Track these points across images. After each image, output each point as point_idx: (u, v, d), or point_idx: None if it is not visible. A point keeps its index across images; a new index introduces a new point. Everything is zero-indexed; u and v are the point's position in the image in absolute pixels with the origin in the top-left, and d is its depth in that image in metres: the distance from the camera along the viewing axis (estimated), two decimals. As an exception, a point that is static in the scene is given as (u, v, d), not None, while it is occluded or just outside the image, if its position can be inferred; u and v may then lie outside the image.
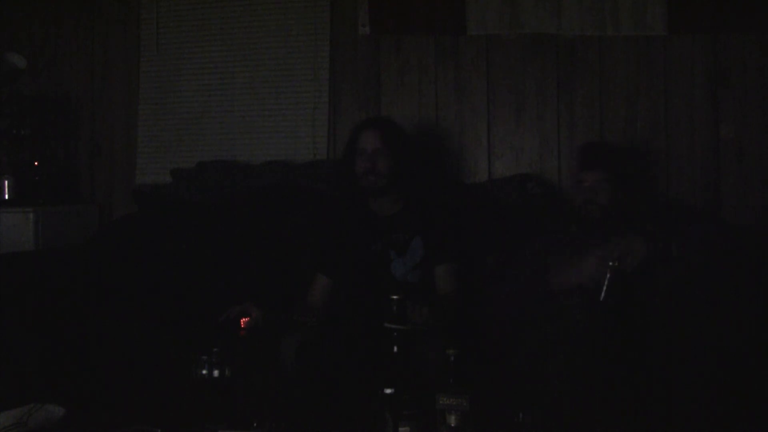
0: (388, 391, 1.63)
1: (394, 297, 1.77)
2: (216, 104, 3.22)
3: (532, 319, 2.12)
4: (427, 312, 1.98)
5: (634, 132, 2.86)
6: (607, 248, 2.00)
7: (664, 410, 1.70)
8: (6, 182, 3.08)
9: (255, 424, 1.56)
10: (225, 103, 3.21)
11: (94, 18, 3.36)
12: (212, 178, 3.01)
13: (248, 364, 1.84)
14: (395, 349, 1.68)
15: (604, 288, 1.98)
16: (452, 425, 1.49)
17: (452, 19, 2.97)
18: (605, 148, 2.41)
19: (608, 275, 1.97)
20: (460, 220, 2.49)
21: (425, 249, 2.36)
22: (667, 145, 2.84)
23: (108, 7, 3.35)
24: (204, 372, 1.78)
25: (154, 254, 2.71)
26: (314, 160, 3.07)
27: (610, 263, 1.98)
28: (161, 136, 3.27)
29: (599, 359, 1.91)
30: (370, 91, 3.08)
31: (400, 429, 1.48)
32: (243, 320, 2.03)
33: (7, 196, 3.08)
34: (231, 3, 3.20)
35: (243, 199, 2.90)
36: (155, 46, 3.28)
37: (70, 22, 3.38)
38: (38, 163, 3.22)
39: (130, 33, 3.32)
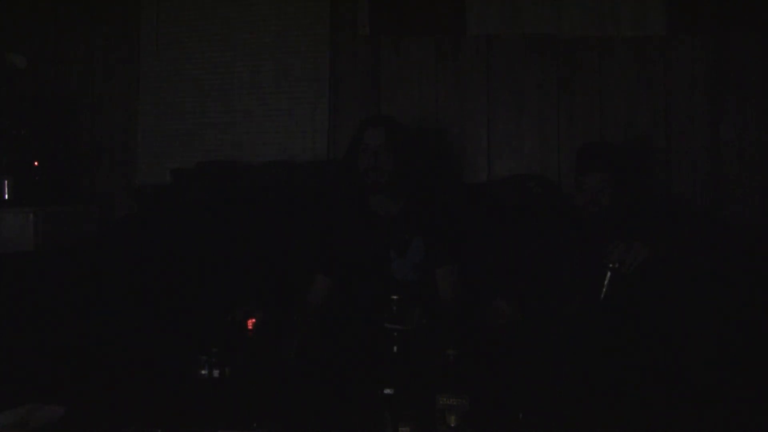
0: (388, 391, 1.63)
1: (394, 297, 1.77)
2: (216, 104, 3.22)
3: (533, 319, 2.13)
4: (419, 312, 1.98)
5: (634, 132, 2.86)
6: (608, 250, 2.00)
7: (664, 409, 1.69)
8: (6, 182, 3.08)
9: (255, 424, 1.55)
10: (225, 103, 3.21)
11: (94, 18, 3.36)
12: (212, 178, 3.01)
13: (248, 364, 1.84)
14: (395, 349, 1.69)
15: (604, 289, 1.98)
16: (452, 425, 1.49)
17: (452, 19, 2.98)
18: (605, 149, 2.40)
19: (608, 276, 1.98)
20: (461, 220, 2.49)
21: (426, 249, 2.36)
22: (667, 145, 2.84)
23: (108, 7, 3.35)
24: (204, 372, 1.78)
25: (154, 254, 2.71)
26: (314, 160, 3.07)
27: (610, 265, 1.98)
28: (161, 136, 3.28)
29: (599, 359, 1.91)
30: (370, 91, 3.08)
31: (400, 429, 1.48)
32: (250, 321, 2.03)
33: (7, 196, 3.08)
34: (231, 3, 3.20)
35: (243, 199, 2.90)
36: (155, 46, 3.28)
37: (70, 22, 3.38)
38: (38, 163, 3.22)
39: (130, 33, 3.32)
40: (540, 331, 2.08)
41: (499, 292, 2.20)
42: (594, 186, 2.22)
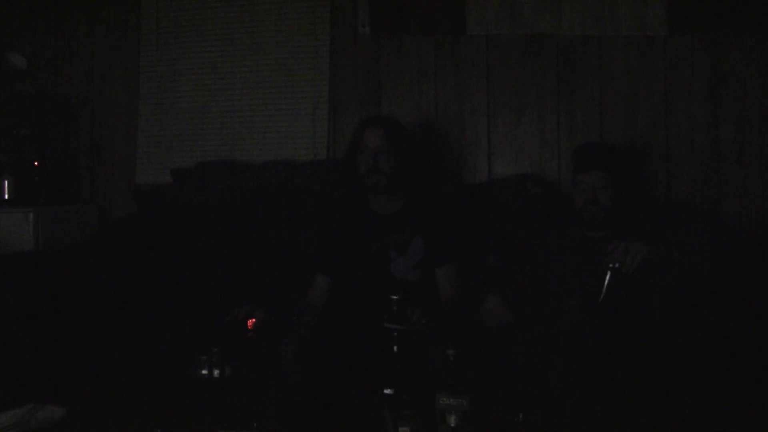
0: (388, 391, 1.63)
1: (394, 297, 1.78)
2: (216, 104, 3.22)
3: (532, 319, 2.13)
4: (420, 312, 1.98)
5: (634, 132, 2.86)
6: (608, 250, 2.00)
7: (664, 410, 1.70)
8: (6, 182, 3.08)
9: (255, 424, 1.55)
10: (225, 103, 3.21)
11: (94, 18, 3.37)
12: (212, 178, 3.01)
13: (248, 364, 1.84)
14: (395, 349, 1.69)
15: (604, 289, 1.98)
16: (452, 425, 1.49)
17: (452, 19, 2.97)
18: (600, 148, 2.40)
19: (608, 276, 1.98)
20: (461, 220, 2.49)
21: (425, 249, 2.36)
22: (667, 145, 2.84)
23: (108, 7, 3.35)
24: (204, 372, 1.78)
25: (154, 254, 2.71)
26: (314, 160, 3.07)
27: (610, 265, 1.98)
28: (161, 136, 3.28)
29: (599, 359, 1.91)
30: (370, 91, 3.08)
31: (400, 429, 1.48)
32: (250, 322, 2.03)
33: (7, 196, 3.08)
34: (231, 3, 3.20)
35: (243, 199, 2.90)
36: (155, 46, 3.28)
37: (70, 22, 3.38)
38: (38, 163, 3.22)
39: (130, 33, 3.32)
40: (539, 331, 2.08)
41: (491, 291, 2.19)
42: (591, 184, 2.22)
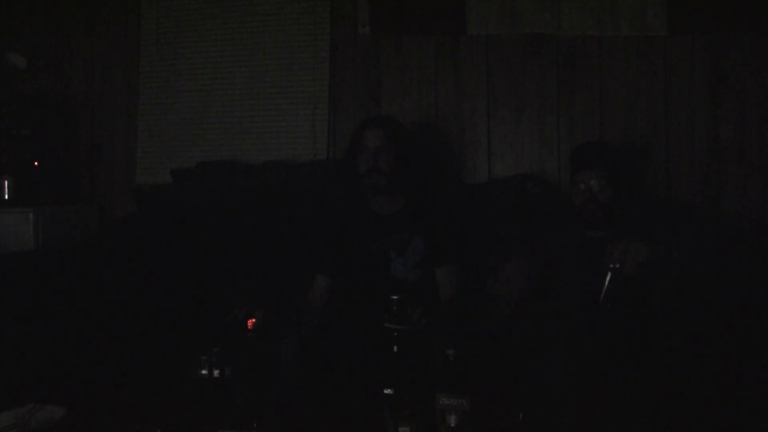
0: (388, 391, 1.63)
1: (394, 297, 1.78)
2: (216, 104, 3.22)
3: (532, 319, 2.12)
4: (420, 312, 1.98)
5: (634, 132, 2.86)
6: (608, 250, 2.00)
7: (664, 410, 1.70)
8: (6, 182, 3.08)
9: (255, 424, 1.56)
10: (225, 103, 3.21)
11: (94, 18, 3.36)
12: (212, 178, 3.01)
13: (248, 364, 1.84)
14: (395, 349, 1.69)
15: (604, 289, 1.98)
16: (452, 425, 1.49)
17: (452, 19, 2.97)
18: (599, 148, 2.40)
19: (608, 277, 1.98)
20: (461, 220, 2.49)
21: (425, 249, 2.36)
22: (667, 145, 2.84)
23: (108, 7, 3.35)
24: (204, 372, 1.78)
25: (154, 254, 2.71)
26: (314, 160, 3.07)
27: (610, 265, 1.98)
28: (161, 137, 3.28)
29: (599, 359, 1.91)
30: (370, 91, 3.08)
31: (400, 429, 1.48)
32: (250, 322, 2.03)
33: (7, 196, 3.08)
34: (231, 3, 3.20)
35: (243, 199, 2.90)
36: (155, 46, 3.28)
37: (70, 22, 3.38)
38: (38, 163, 3.21)
39: (130, 33, 3.32)
40: (540, 331, 2.08)
41: (511, 254, 2.17)
42: (589, 183, 2.22)
